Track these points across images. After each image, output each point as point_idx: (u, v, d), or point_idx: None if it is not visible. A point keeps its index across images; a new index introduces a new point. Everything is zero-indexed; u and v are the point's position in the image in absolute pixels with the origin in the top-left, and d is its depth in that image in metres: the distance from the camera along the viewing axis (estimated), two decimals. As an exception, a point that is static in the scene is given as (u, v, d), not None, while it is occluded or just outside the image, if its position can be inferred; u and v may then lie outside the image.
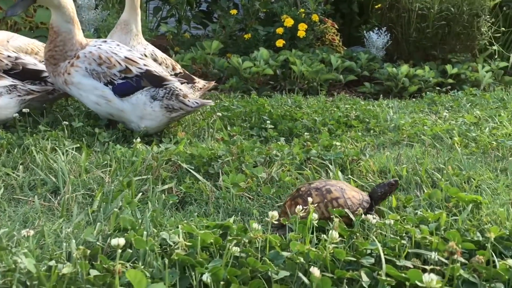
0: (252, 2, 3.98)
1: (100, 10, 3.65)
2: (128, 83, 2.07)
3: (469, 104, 3.19)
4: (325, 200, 1.19)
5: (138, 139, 1.79)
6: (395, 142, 2.20)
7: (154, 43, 3.95)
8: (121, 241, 0.81)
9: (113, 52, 2.09)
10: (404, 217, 1.15)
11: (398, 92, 3.60)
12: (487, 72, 3.94)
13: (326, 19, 4.12)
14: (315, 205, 1.16)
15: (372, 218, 1.02)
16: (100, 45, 2.10)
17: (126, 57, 2.10)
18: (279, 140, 2.12)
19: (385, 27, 4.20)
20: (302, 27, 3.77)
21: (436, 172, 1.67)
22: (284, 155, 1.75)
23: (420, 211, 1.21)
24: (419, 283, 0.76)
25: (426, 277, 0.75)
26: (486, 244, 1.01)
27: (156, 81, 2.07)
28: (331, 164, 1.64)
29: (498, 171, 1.77)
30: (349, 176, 1.58)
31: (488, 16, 4.27)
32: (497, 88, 3.88)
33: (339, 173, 1.52)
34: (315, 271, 0.76)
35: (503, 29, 4.39)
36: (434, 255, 0.87)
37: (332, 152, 1.71)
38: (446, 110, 3.01)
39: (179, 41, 3.70)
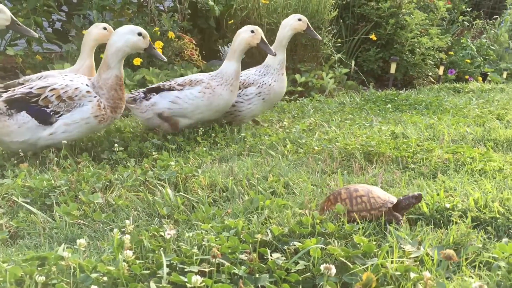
0: (106, 21, 4.00)
1: None
2: None
3: (313, 110, 3.57)
4: (351, 196, 1.45)
5: (-28, 177, 1.78)
6: (238, 154, 2.42)
7: (3, 65, 3.80)
8: None
9: None
10: (212, 226, 1.34)
11: (253, 103, 3.88)
12: (330, 78, 4.42)
13: (184, 35, 4.29)
14: (343, 200, 1.45)
15: (167, 234, 1.18)
16: None
17: None
18: (129, 161, 2.21)
19: (239, 42, 4.49)
20: (159, 44, 3.89)
21: (262, 180, 1.91)
22: (125, 178, 1.86)
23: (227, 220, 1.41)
24: (188, 284, 0.94)
25: (193, 278, 0.93)
26: (273, 241, 1.24)
27: None
28: (165, 183, 1.80)
29: (316, 173, 2.07)
30: (181, 193, 1.74)
31: (329, 28, 4.78)
32: (340, 93, 4.37)
33: (169, 190, 1.68)
34: (94, 289, 0.91)
35: (339, 40, 4.95)
36: (214, 260, 1.05)
37: (168, 172, 1.87)
38: (292, 118, 3.34)
39: (30, 63, 3.60)
